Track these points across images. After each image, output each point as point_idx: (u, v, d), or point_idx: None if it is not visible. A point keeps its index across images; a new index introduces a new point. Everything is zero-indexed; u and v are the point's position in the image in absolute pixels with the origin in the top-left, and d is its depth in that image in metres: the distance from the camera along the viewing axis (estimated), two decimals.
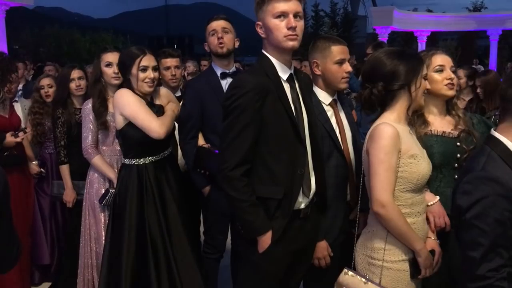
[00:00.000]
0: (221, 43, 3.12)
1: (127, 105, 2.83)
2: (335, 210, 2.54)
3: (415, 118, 2.36)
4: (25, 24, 30.34)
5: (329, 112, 2.60)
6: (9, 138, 3.48)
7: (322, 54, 2.58)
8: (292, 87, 2.25)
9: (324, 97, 2.62)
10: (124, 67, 2.93)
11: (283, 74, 2.21)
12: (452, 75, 2.38)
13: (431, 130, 2.37)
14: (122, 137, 2.95)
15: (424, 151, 2.20)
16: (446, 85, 2.36)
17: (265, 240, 2.16)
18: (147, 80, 2.88)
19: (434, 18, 22.08)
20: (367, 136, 2.13)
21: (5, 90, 3.55)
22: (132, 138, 2.90)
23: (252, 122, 2.11)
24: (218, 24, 3.16)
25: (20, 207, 3.64)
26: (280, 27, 2.11)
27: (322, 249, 2.49)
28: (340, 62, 2.55)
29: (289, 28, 2.10)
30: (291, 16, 2.11)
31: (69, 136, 3.60)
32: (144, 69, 2.88)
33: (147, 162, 2.97)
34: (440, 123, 2.41)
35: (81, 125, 3.38)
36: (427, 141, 2.33)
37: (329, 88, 2.61)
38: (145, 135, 2.84)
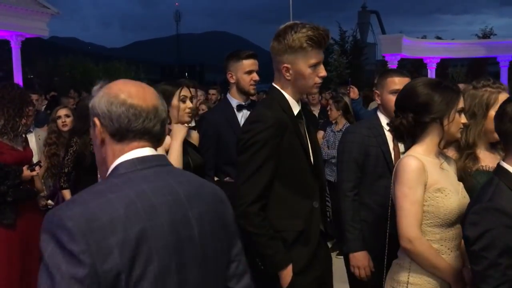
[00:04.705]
0: (254, 84, 3.22)
1: None
2: (378, 227, 2.57)
3: (465, 155, 2.31)
4: (40, 55, 31.01)
5: (389, 137, 2.71)
6: (26, 172, 3.53)
7: (381, 84, 2.82)
8: (301, 122, 2.30)
9: (386, 123, 2.73)
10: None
11: (295, 109, 2.27)
12: None
13: (482, 166, 2.30)
14: None
15: (461, 185, 2.12)
16: None
17: (287, 274, 2.14)
18: (187, 110, 2.98)
19: (443, 45, 22.17)
20: (394, 169, 2.11)
21: (22, 123, 3.61)
22: None
23: (271, 158, 2.11)
24: (255, 64, 3.23)
25: (30, 239, 3.66)
26: (313, 76, 2.19)
27: (363, 258, 2.54)
28: (395, 92, 2.61)
29: (320, 77, 2.20)
30: (322, 66, 2.20)
31: (82, 167, 3.65)
32: (184, 99, 2.98)
33: None
34: (490, 159, 2.34)
35: (94, 154, 3.43)
36: (479, 178, 2.25)
37: (390, 115, 2.69)
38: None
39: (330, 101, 5.94)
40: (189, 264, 1.27)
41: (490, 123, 2.30)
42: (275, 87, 2.27)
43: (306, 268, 2.19)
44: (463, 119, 2.08)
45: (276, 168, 2.14)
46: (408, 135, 2.11)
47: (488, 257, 1.60)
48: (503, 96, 2.32)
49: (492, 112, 2.26)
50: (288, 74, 2.19)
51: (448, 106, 2.02)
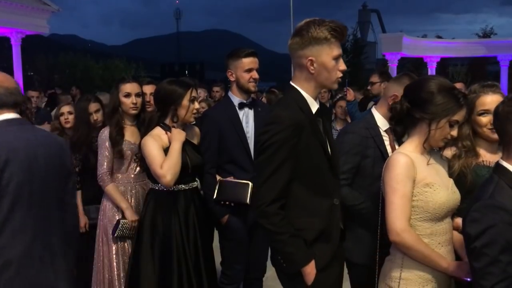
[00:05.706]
0: (254, 82, 3.21)
1: (148, 156, 2.93)
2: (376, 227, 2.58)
3: (463, 151, 2.37)
4: (40, 52, 31.02)
5: (385, 137, 2.71)
6: None
7: (399, 86, 2.72)
8: (319, 121, 2.29)
9: (382, 123, 2.74)
10: (171, 100, 2.99)
11: (313, 108, 2.26)
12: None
13: (483, 161, 2.37)
14: None
15: (451, 181, 2.17)
16: (490, 129, 2.33)
17: (311, 271, 2.16)
18: (194, 110, 3.01)
19: (443, 44, 22.15)
20: (384, 166, 2.15)
21: None
22: None
23: (288, 158, 2.12)
24: (255, 62, 3.23)
25: None
26: (336, 69, 2.21)
27: None
28: None
29: (341, 70, 2.22)
30: (342, 59, 2.23)
31: (86, 165, 3.65)
32: (193, 100, 2.99)
33: (175, 189, 3.01)
34: (491, 156, 2.39)
35: (97, 153, 3.43)
36: (479, 171, 2.31)
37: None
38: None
39: (341, 101, 5.92)
40: (35, 180, 2.09)
41: (475, 126, 2.40)
42: (293, 86, 2.27)
43: (329, 265, 2.21)
44: (454, 132, 2.08)
45: (294, 167, 2.15)
46: (396, 122, 2.19)
47: (489, 254, 1.62)
48: (489, 98, 2.37)
49: (474, 116, 2.38)
50: (312, 67, 2.19)
51: (443, 112, 2.04)
